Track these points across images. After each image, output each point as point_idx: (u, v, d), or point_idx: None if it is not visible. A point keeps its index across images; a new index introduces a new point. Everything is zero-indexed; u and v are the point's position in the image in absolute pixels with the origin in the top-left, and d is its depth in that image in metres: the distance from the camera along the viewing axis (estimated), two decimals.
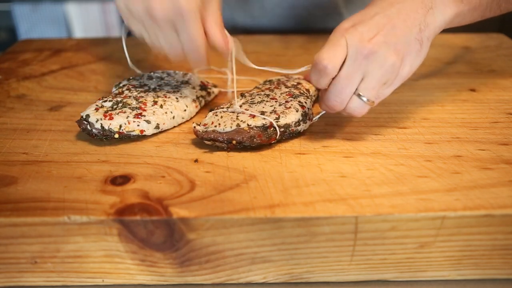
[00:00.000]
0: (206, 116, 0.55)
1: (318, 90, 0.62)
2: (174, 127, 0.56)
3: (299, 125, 0.52)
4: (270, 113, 0.52)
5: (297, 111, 0.52)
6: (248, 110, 0.53)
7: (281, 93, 0.56)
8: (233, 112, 0.53)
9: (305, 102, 0.54)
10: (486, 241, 0.42)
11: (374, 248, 0.42)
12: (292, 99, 0.54)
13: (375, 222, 0.41)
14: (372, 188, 0.44)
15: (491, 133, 0.54)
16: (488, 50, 0.80)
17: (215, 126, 0.51)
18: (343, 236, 0.41)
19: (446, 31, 0.54)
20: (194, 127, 0.52)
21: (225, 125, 0.51)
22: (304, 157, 0.49)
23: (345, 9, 0.91)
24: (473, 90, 0.65)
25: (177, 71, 0.65)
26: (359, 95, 0.48)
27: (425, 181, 0.45)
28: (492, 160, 0.48)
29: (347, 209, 0.41)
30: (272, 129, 0.50)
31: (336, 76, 0.48)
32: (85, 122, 0.52)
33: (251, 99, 0.56)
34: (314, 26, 0.93)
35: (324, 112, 0.55)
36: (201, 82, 0.63)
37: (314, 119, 0.55)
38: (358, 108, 0.50)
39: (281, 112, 0.52)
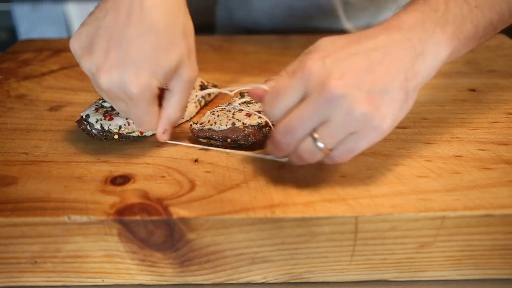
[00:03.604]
0: (204, 115, 0.55)
1: None
2: (174, 127, 0.56)
3: None
4: None
5: None
6: (244, 109, 0.53)
7: None
8: (229, 111, 0.53)
9: None
10: (486, 241, 0.42)
11: (374, 248, 0.42)
12: None
13: (375, 222, 0.41)
14: (372, 188, 0.44)
15: (491, 133, 0.54)
16: (488, 50, 0.80)
17: (211, 125, 0.51)
18: (343, 236, 0.41)
19: None
20: (191, 125, 0.52)
21: (220, 124, 0.51)
22: None
23: (342, 10, 0.91)
24: (473, 90, 0.65)
25: None
26: (314, 138, 0.40)
27: (425, 181, 0.45)
28: (492, 160, 0.48)
29: (347, 209, 0.41)
30: (267, 128, 0.50)
31: (290, 111, 0.41)
32: (85, 122, 0.52)
33: (249, 98, 0.56)
34: (314, 26, 0.93)
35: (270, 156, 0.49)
36: (201, 82, 0.63)
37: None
38: (308, 151, 0.41)
39: None
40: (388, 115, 0.40)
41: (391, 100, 0.40)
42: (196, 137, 0.52)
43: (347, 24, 0.92)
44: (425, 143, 0.52)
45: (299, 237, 0.41)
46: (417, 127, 0.55)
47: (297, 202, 0.42)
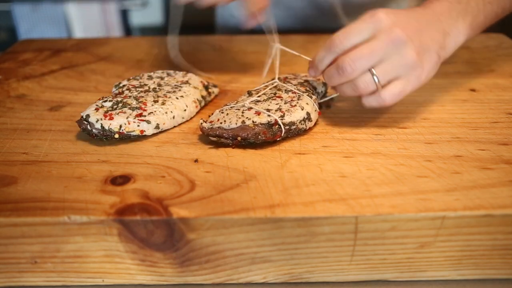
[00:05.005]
0: (212, 114, 0.55)
1: (325, 84, 0.63)
2: (174, 127, 0.56)
3: (304, 123, 0.52)
4: (276, 111, 0.52)
5: (302, 109, 0.53)
6: (253, 108, 0.53)
7: (287, 91, 0.57)
8: (238, 109, 0.53)
9: (311, 100, 0.55)
10: (486, 241, 0.42)
11: (374, 248, 0.42)
12: (298, 97, 0.55)
13: (375, 222, 0.41)
14: (372, 188, 0.44)
15: (491, 133, 0.54)
16: (488, 50, 0.80)
17: (221, 123, 0.52)
18: (343, 236, 0.41)
19: None
20: (201, 123, 0.52)
21: (230, 122, 0.51)
22: (304, 157, 0.49)
23: (341, 10, 0.91)
24: (473, 90, 0.65)
25: (177, 71, 0.65)
26: (372, 72, 0.50)
27: (425, 181, 0.45)
28: (492, 160, 0.48)
29: (347, 209, 0.41)
30: (277, 126, 0.51)
31: (359, 45, 0.50)
32: (85, 122, 0.52)
33: (257, 97, 0.56)
34: (313, 26, 0.93)
35: (336, 95, 0.59)
36: (201, 82, 0.63)
37: (327, 98, 0.60)
38: (365, 83, 0.50)
39: (286, 110, 0.52)
40: (426, 69, 0.52)
41: (430, 59, 0.52)
42: (206, 136, 0.52)
43: (346, 23, 0.92)
44: (425, 143, 0.52)
45: (299, 237, 0.41)
46: (417, 127, 0.55)
47: (297, 202, 0.42)
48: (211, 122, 0.53)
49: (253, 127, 0.50)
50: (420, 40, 0.51)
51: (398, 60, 0.50)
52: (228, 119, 0.52)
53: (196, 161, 0.49)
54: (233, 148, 0.51)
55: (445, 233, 0.42)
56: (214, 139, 0.51)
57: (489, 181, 0.45)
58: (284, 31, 0.92)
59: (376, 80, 0.50)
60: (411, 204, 0.42)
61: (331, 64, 0.52)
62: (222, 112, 0.54)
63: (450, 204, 0.42)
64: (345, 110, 0.60)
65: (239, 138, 0.50)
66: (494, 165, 0.47)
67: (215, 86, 0.65)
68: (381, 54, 0.49)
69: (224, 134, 0.50)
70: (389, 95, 0.51)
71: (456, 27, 0.54)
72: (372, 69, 0.50)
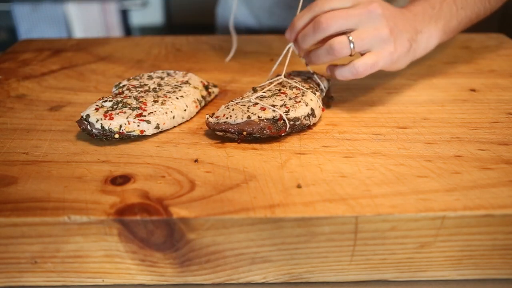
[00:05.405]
0: (218, 109, 0.55)
1: (329, 80, 0.63)
2: (174, 127, 0.56)
3: (308, 118, 0.53)
4: (281, 106, 0.53)
5: (306, 105, 0.53)
6: (258, 103, 0.54)
7: (291, 88, 0.57)
8: (244, 105, 0.54)
9: (315, 97, 0.55)
10: (486, 241, 0.42)
11: (374, 248, 0.42)
12: (302, 93, 0.55)
13: (375, 222, 0.41)
14: (372, 188, 0.44)
15: (491, 133, 0.54)
16: (488, 50, 0.80)
17: (227, 118, 0.52)
18: (343, 236, 0.41)
19: None
20: (207, 118, 0.53)
21: (236, 117, 0.52)
22: (304, 157, 0.49)
23: None
24: (473, 90, 0.65)
25: (177, 71, 0.65)
26: (348, 38, 0.52)
27: (425, 181, 0.45)
28: (492, 160, 0.48)
29: (347, 209, 0.41)
30: (281, 121, 0.51)
31: (337, 8, 0.53)
32: (85, 122, 0.52)
33: (262, 93, 0.56)
34: None
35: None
36: (201, 82, 0.63)
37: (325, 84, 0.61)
38: (341, 44, 0.52)
39: (291, 106, 0.53)
40: (398, 50, 0.54)
41: (402, 43, 0.55)
42: (212, 130, 0.53)
43: None
44: (425, 143, 0.52)
45: (299, 237, 0.41)
46: (417, 127, 0.55)
47: (297, 202, 0.42)
48: (217, 117, 0.54)
49: (259, 122, 0.51)
50: (395, 23, 0.54)
51: (372, 31, 0.52)
52: (234, 114, 0.53)
53: (196, 161, 0.49)
54: (239, 143, 0.52)
55: (445, 233, 0.42)
56: (220, 133, 0.52)
57: (489, 181, 0.45)
58: (284, 30, 0.93)
59: (352, 46, 0.52)
60: (411, 204, 0.42)
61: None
62: (228, 108, 0.55)
63: (450, 204, 0.42)
64: (345, 110, 0.60)
65: (244, 133, 0.51)
66: (494, 165, 0.47)
67: (215, 86, 0.65)
68: (356, 19, 0.52)
69: (230, 129, 0.51)
70: (362, 65, 0.53)
71: (428, 28, 0.58)
72: (349, 36, 0.52)
